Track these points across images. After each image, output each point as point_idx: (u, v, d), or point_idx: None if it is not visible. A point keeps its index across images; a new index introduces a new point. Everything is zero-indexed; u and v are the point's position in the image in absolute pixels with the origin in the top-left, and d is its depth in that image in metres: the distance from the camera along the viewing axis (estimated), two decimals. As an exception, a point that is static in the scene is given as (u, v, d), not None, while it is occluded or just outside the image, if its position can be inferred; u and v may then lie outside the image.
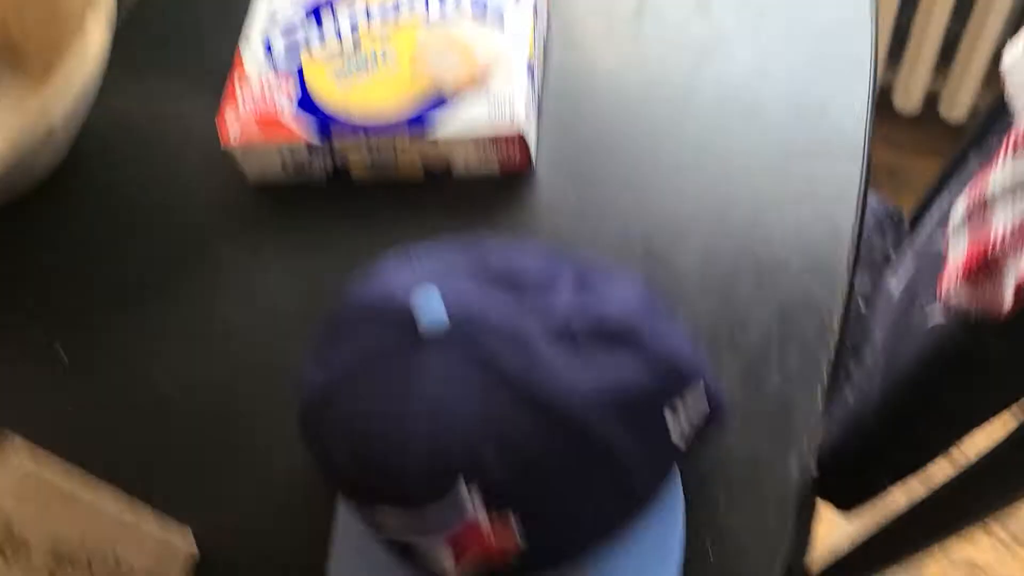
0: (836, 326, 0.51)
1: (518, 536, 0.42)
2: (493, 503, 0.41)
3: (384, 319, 0.43)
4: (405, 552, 0.45)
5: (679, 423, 0.44)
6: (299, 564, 0.48)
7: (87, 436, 0.56)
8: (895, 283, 0.69)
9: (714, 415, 0.46)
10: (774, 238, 0.54)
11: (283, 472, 0.52)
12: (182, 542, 0.50)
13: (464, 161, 0.60)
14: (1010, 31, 1.16)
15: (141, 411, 0.56)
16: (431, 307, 0.42)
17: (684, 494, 0.47)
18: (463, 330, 0.41)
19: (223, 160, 0.64)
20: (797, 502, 0.46)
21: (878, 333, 0.66)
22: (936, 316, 0.55)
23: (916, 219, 0.80)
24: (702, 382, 0.45)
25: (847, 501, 0.71)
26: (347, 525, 0.49)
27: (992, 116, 0.65)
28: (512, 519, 0.41)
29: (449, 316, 0.42)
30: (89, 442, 0.55)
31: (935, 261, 0.63)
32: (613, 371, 0.42)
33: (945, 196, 0.68)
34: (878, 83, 1.09)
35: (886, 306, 0.67)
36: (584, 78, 0.63)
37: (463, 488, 0.40)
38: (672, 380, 0.43)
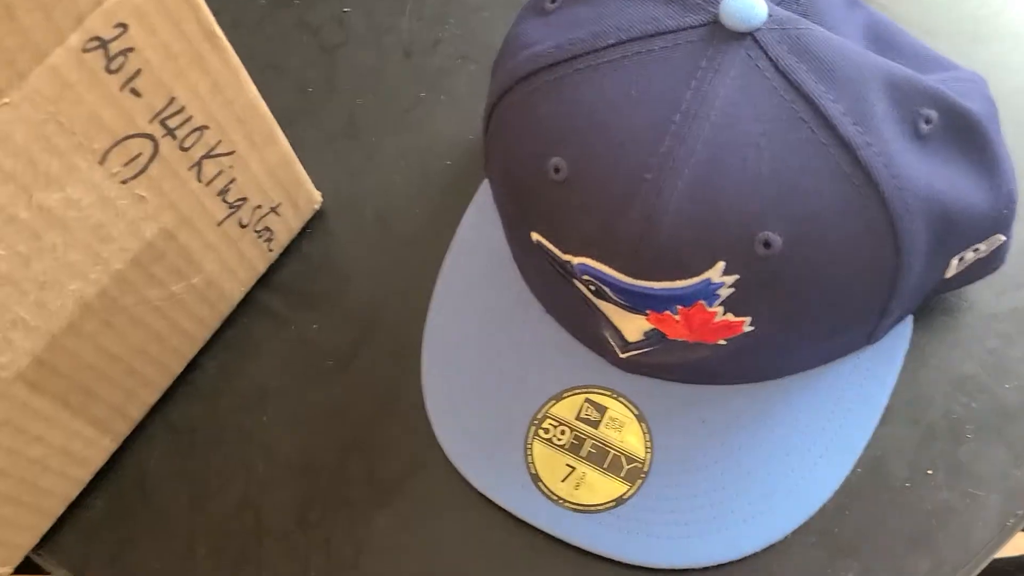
0: None
1: (737, 333, 0.31)
2: (737, 306, 0.29)
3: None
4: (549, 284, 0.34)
5: (962, 262, 0.33)
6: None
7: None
8: None
9: (988, 269, 0.34)
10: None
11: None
12: (310, 185, 0.40)
13: None
14: None
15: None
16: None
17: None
18: (786, 35, 0.28)
19: None
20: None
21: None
22: None
23: None
24: (1006, 236, 0.32)
25: None
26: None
27: None
28: (747, 320, 0.30)
29: (768, 14, 0.28)
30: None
31: None
32: (953, 177, 0.30)
33: None
34: None
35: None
36: None
37: (717, 276, 0.28)
38: (995, 220, 0.31)
